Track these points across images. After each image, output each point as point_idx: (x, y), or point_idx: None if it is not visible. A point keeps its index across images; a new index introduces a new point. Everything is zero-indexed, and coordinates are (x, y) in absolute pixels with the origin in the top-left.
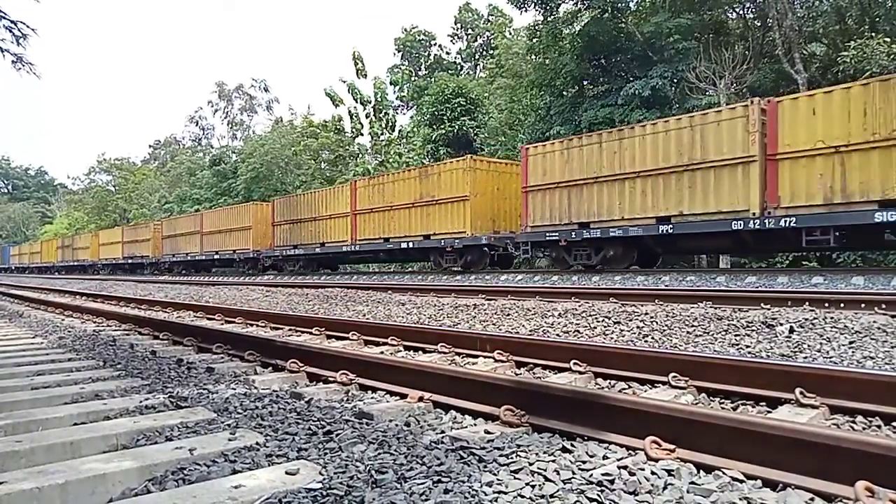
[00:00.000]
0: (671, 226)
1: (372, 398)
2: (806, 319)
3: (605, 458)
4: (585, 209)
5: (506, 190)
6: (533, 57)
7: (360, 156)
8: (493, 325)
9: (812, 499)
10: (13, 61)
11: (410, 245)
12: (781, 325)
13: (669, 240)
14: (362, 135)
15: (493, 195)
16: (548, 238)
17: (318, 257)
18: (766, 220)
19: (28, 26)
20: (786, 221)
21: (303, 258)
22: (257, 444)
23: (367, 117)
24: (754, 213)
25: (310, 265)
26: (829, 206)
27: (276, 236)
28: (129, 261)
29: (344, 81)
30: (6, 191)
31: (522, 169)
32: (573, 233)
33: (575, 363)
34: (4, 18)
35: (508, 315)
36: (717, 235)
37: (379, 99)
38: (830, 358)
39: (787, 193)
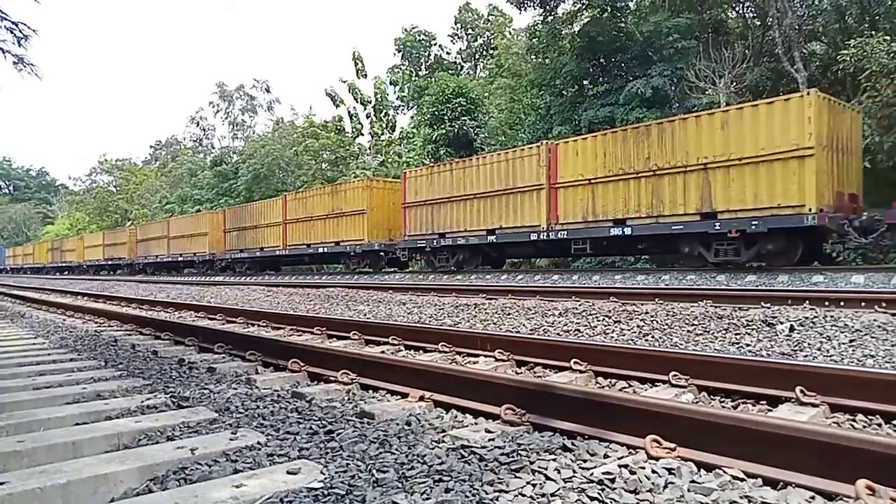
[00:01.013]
0: (496, 236)
1: (373, 398)
2: (806, 318)
3: (605, 456)
4: (442, 222)
5: (400, 205)
6: (533, 57)
7: (361, 156)
8: (494, 324)
9: (813, 497)
10: (15, 63)
11: (325, 250)
12: (782, 323)
13: (498, 246)
14: (363, 135)
15: (389, 209)
16: (418, 245)
17: (259, 259)
18: (550, 233)
19: (29, 27)
20: (561, 234)
21: (247, 260)
22: (259, 443)
23: (367, 117)
24: (543, 228)
25: (254, 266)
26: (585, 223)
27: (227, 241)
28: (109, 262)
29: (344, 82)
30: (8, 192)
31: (402, 189)
32: (434, 241)
33: (575, 362)
34: (6, 20)
35: (509, 314)
36: (524, 244)
37: (379, 99)
38: (831, 356)
39: (562, 213)
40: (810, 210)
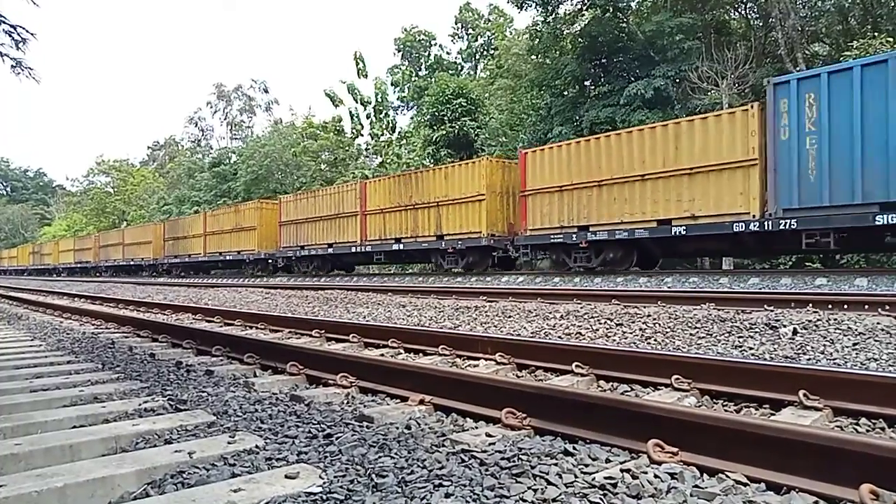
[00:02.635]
0: (333, 248)
1: (372, 401)
2: (809, 321)
3: (607, 461)
4: (303, 237)
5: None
6: (533, 57)
7: (360, 157)
8: (495, 327)
9: (816, 502)
10: (13, 66)
11: (230, 257)
12: (785, 326)
13: (334, 256)
14: (362, 135)
15: (275, 225)
16: (287, 255)
17: (188, 264)
18: (364, 247)
19: (28, 31)
20: (368, 248)
21: (180, 265)
22: (257, 447)
23: (367, 118)
24: (358, 242)
25: (186, 269)
26: (381, 241)
27: (165, 249)
28: (78, 265)
29: (344, 82)
30: (5, 192)
31: (278, 211)
32: (297, 251)
33: (577, 365)
34: (4, 22)
35: (510, 317)
36: (349, 254)
37: (379, 99)
38: (834, 360)
39: (370, 233)
40: (483, 234)
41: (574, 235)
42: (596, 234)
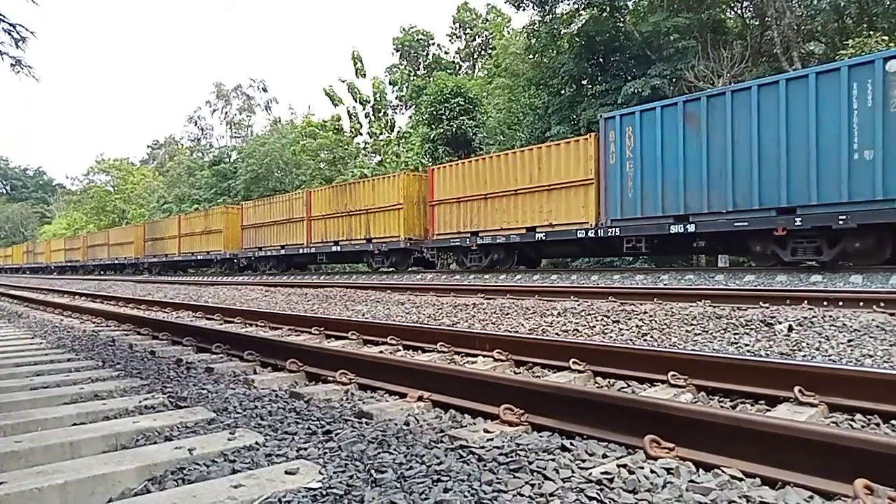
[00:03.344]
0: (285, 249)
1: (371, 398)
2: (805, 318)
3: (604, 456)
4: (260, 239)
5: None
6: (531, 56)
7: (359, 156)
8: (493, 324)
9: (811, 497)
10: (12, 65)
11: (200, 257)
12: (780, 323)
13: (259, 258)
14: (361, 134)
15: (237, 230)
16: (240, 256)
17: (164, 263)
18: (309, 248)
19: (27, 29)
20: (312, 249)
21: (158, 263)
22: (257, 443)
23: (366, 117)
24: (304, 244)
25: (164, 267)
26: (323, 242)
27: (145, 249)
28: (68, 263)
29: (343, 81)
30: (5, 191)
31: (240, 214)
32: (252, 252)
33: (574, 362)
34: (4, 21)
35: (507, 314)
36: (271, 257)
37: (378, 98)
38: (829, 356)
39: (315, 236)
40: (402, 238)
41: (468, 239)
42: (483, 238)
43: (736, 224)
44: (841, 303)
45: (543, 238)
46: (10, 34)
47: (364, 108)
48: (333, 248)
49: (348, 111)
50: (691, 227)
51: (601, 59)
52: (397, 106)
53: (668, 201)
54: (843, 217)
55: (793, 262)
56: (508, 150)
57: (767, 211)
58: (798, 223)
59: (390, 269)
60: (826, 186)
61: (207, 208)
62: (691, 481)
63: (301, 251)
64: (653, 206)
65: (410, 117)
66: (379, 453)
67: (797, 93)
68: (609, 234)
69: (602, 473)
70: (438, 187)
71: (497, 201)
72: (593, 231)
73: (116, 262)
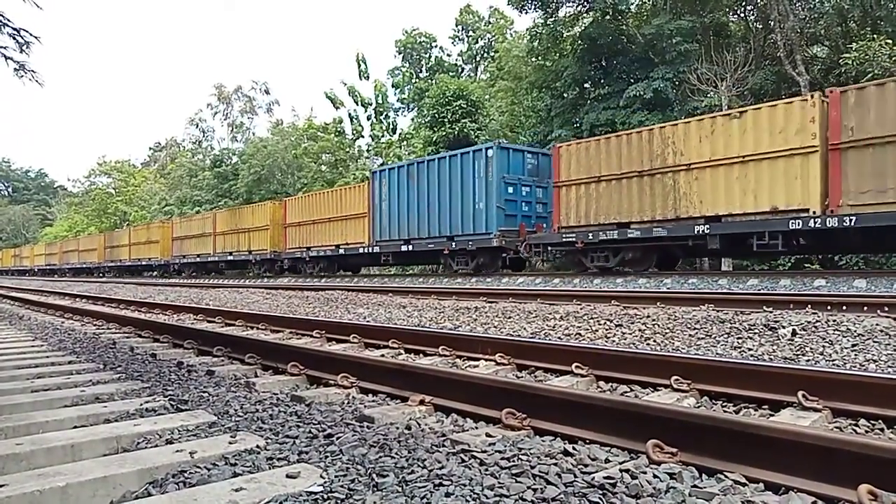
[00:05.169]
0: (231, 256)
1: (373, 401)
2: (808, 322)
3: (606, 461)
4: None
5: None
6: (534, 59)
7: (361, 158)
8: (495, 327)
9: (815, 502)
10: (16, 69)
11: (144, 262)
12: (784, 327)
13: (230, 262)
14: (363, 137)
15: (167, 240)
16: (181, 262)
17: (119, 267)
18: (280, 253)
19: (31, 34)
20: (289, 254)
21: (115, 267)
22: (258, 447)
23: (367, 119)
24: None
25: (120, 271)
26: (300, 247)
27: (105, 254)
28: (48, 266)
29: (345, 84)
30: (6, 193)
31: (170, 228)
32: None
33: (577, 366)
34: (7, 26)
35: (510, 318)
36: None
37: (380, 101)
38: (833, 361)
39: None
40: (269, 250)
41: (304, 253)
42: (315, 252)
43: (429, 245)
44: (845, 307)
45: (343, 252)
46: (14, 39)
47: (366, 111)
48: (229, 258)
49: (349, 114)
50: (411, 247)
51: (604, 62)
52: (399, 108)
53: (402, 230)
54: (471, 242)
55: (456, 271)
56: (322, 191)
57: (442, 238)
58: (454, 246)
59: (267, 274)
60: (466, 224)
61: (148, 223)
62: (694, 486)
63: (209, 259)
64: (396, 233)
65: (413, 120)
66: (380, 457)
67: (454, 164)
68: (375, 250)
69: (605, 478)
70: (289, 213)
71: (322, 225)
72: (366, 248)
73: (83, 265)
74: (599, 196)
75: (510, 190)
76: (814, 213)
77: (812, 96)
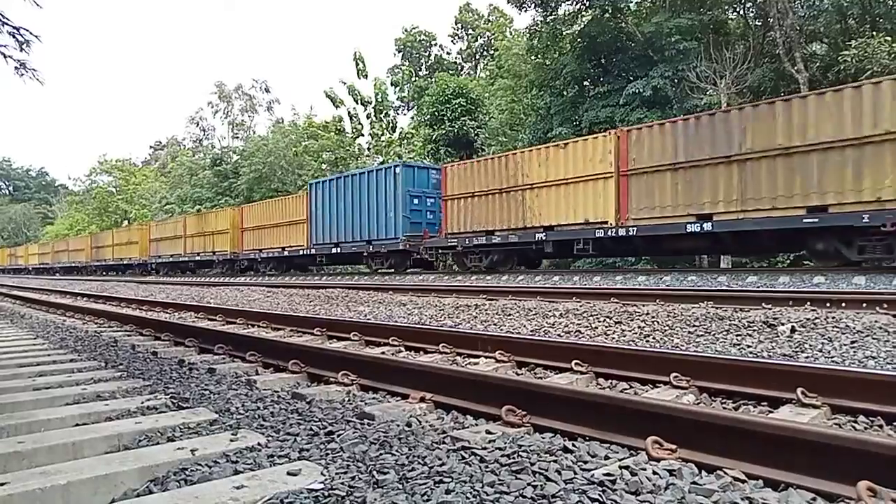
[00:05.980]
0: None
1: (373, 399)
2: (807, 319)
3: (606, 458)
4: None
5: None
6: (533, 57)
7: (361, 156)
8: (495, 325)
9: (814, 498)
10: (16, 68)
11: (125, 262)
12: (783, 324)
13: (197, 261)
14: (363, 135)
15: (145, 241)
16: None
17: (103, 266)
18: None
19: (31, 33)
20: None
21: (101, 266)
22: (259, 444)
23: (367, 118)
24: (229, 251)
25: (105, 269)
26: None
27: (92, 254)
28: (41, 265)
29: (344, 83)
30: (7, 192)
31: (148, 231)
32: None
33: (576, 363)
34: (7, 24)
35: (510, 315)
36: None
37: (379, 99)
38: (832, 358)
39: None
40: (229, 251)
41: (255, 254)
42: (265, 254)
43: (353, 248)
44: (844, 304)
45: (288, 254)
46: (14, 37)
47: (365, 109)
48: (197, 258)
49: (349, 112)
50: (339, 249)
51: (603, 60)
52: (399, 107)
53: (332, 234)
54: (384, 245)
55: (375, 270)
56: (270, 199)
57: (363, 242)
58: (371, 249)
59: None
60: (381, 230)
61: (125, 225)
62: (694, 483)
63: (181, 259)
64: (328, 237)
65: (412, 118)
66: (381, 454)
67: (372, 179)
68: (312, 251)
69: (604, 475)
70: (245, 219)
71: (270, 230)
72: (305, 250)
73: (72, 264)
74: (474, 208)
75: (415, 202)
76: (611, 224)
77: (610, 133)
